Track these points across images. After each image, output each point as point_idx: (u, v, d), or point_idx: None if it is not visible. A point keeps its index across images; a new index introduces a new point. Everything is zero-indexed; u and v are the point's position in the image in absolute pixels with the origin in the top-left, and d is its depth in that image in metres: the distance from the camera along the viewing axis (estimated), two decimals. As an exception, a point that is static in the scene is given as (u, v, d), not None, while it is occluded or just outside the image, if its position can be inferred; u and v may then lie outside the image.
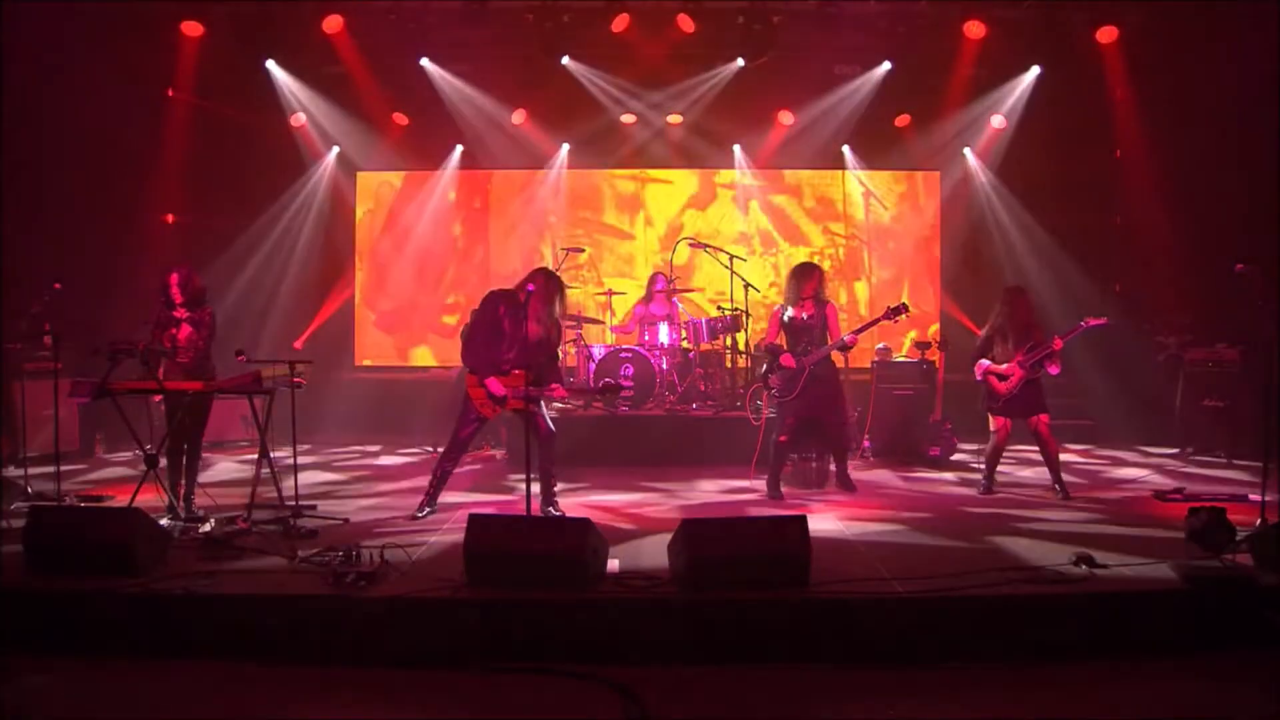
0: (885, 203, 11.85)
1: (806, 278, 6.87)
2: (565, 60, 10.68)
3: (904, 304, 6.83)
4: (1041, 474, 7.19)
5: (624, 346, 9.02)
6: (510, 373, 6.05)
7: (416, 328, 12.01)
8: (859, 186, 11.79)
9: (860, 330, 6.84)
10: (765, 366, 7.01)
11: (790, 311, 6.86)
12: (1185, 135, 9.62)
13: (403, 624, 4.34)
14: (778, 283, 11.23)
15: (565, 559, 4.51)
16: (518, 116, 11.36)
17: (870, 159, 11.69)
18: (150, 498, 5.65)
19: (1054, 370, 6.78)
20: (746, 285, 8.73)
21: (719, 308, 9.18)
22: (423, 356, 11.94)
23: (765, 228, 11.95)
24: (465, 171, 11.92)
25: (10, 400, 7.53)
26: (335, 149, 11.52)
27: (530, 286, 5.88)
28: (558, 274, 6.28)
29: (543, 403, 6.02)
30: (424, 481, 6.42)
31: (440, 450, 6.58)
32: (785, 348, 6.87)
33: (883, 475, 7.95)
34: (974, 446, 7.79)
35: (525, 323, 6.01)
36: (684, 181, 12.07)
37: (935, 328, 11.14)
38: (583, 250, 11.18)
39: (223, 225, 10.70)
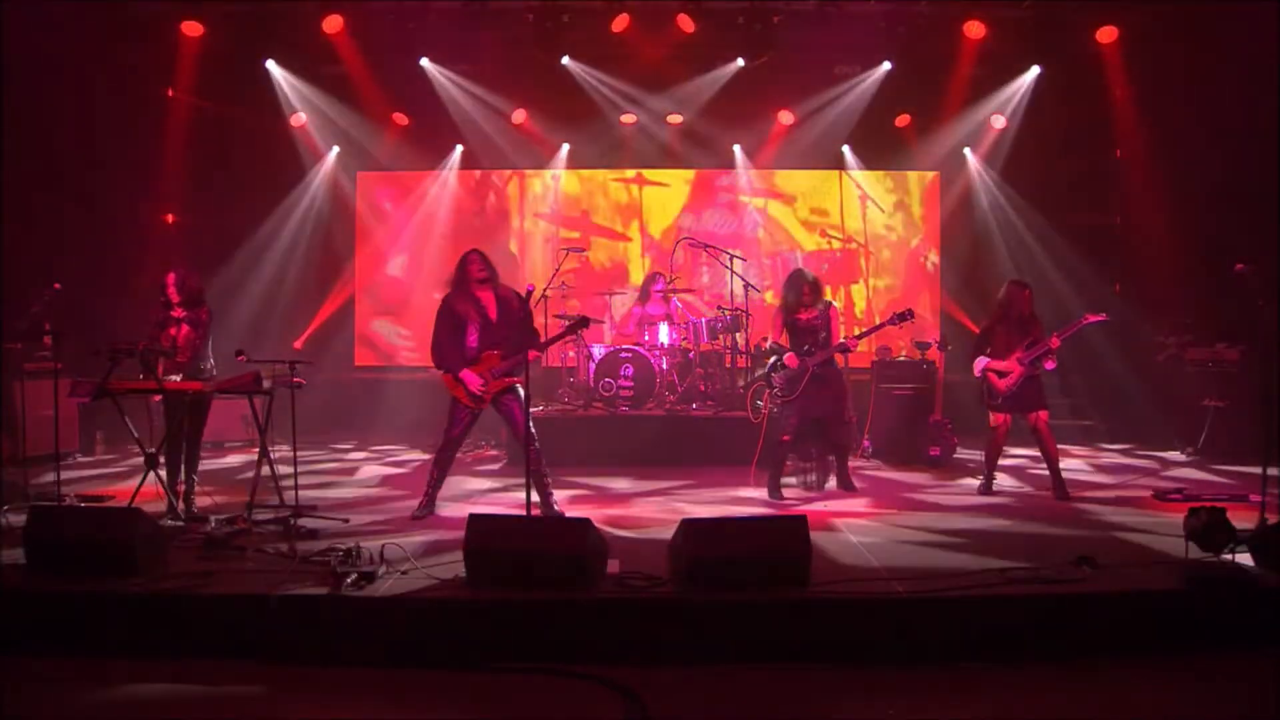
0: (883, 205, 11.85)
1: (809, 281, 6.91)
2: (565, 60, 10.67)
3: (909, 310, 6.86)
4: (1041, 474, 7.19)
5: (624, 346, 9.01)
6: (481, 357, 6.08)
7: (415, 327, 12.00)
8: (856, 190, 11.78)
9: (864, 334, 6.89)
10: (769, 366, 7.02)
11: (795, 313, 6.88)
12: (1185, 135, 9.61)
13: (403, 624, 4.34)
14: (774, 285, 11.22)
15: (565, 559, 4.50)
16: (518, 116, 11.37)
17: (870, 159, 11.68)
18: (150, 498, 5.65)
19: (1050, 366, 6.78)
20: (746, 285, 8.73)
21: (718, 308, 9.18)
22: (419, 356, 11.93)
23: (763, 229, 11.94)
24: (465, 171, 11.93)
25: (10, 400, 7.52)
26: (335, 149, 11.52)
27: (480, 273, 6.11)
28: (480, 250, 6.36)
29: (522, 395, 5.92)
30: (423, 481, 6.41)
31: (437, 450, 6.58)
32: (789, 348, 6.89)
33: (883, 475, 7.95)
34: (975, 453, 7.78)
35: (481, 305, 6.09)
36: (683, 182, 12.07)
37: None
38: (583, 250, 11.19)
39: (223, 225, 10.71)
